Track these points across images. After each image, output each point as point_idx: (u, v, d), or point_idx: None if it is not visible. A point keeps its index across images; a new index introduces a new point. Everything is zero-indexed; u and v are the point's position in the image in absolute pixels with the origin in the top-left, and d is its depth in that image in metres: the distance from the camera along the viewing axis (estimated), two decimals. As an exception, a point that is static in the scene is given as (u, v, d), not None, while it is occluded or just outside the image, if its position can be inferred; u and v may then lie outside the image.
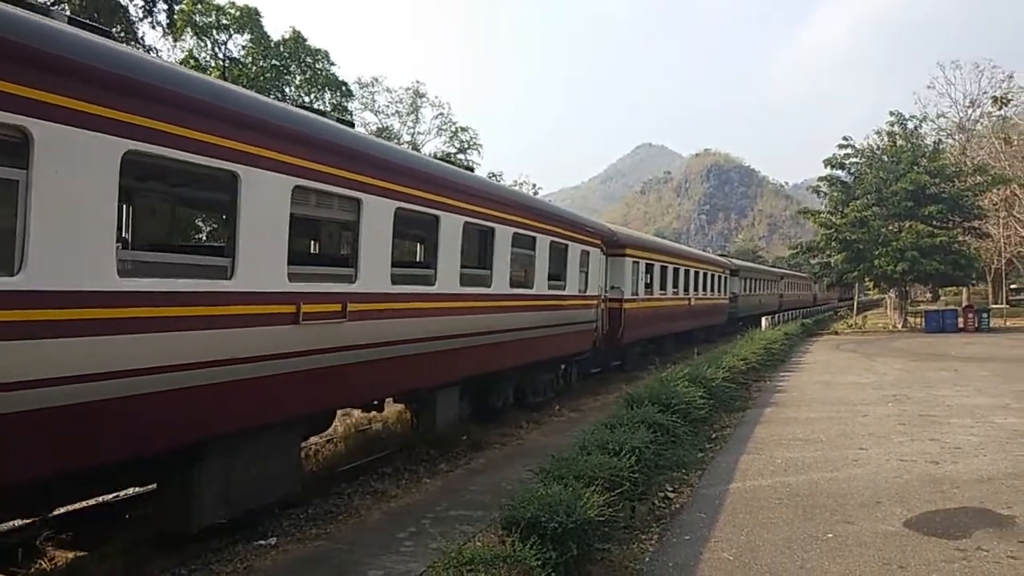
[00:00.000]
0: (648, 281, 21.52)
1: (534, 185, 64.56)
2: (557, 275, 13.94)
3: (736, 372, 14.94)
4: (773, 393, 15.38)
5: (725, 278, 33.57)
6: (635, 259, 19.87)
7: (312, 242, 10.79)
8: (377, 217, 8.18)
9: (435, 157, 51.21)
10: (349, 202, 7.84)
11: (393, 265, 8.61)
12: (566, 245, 14.22)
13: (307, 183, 7.02)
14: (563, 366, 15.56)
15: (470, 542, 4.86)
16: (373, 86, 54.21)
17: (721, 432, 11.16)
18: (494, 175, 56.99)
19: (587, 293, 15.70)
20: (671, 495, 7.75)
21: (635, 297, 19.85)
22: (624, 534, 6.33)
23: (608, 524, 5.74)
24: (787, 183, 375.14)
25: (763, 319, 33.29)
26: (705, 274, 28.98)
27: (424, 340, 9.22)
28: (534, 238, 12.66)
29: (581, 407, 14.79)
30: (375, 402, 10.26)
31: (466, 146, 55.89)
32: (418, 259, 12.52)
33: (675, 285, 24.33)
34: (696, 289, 27.30)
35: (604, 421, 8.58)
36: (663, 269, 22.99)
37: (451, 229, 9.92)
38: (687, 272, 25.78)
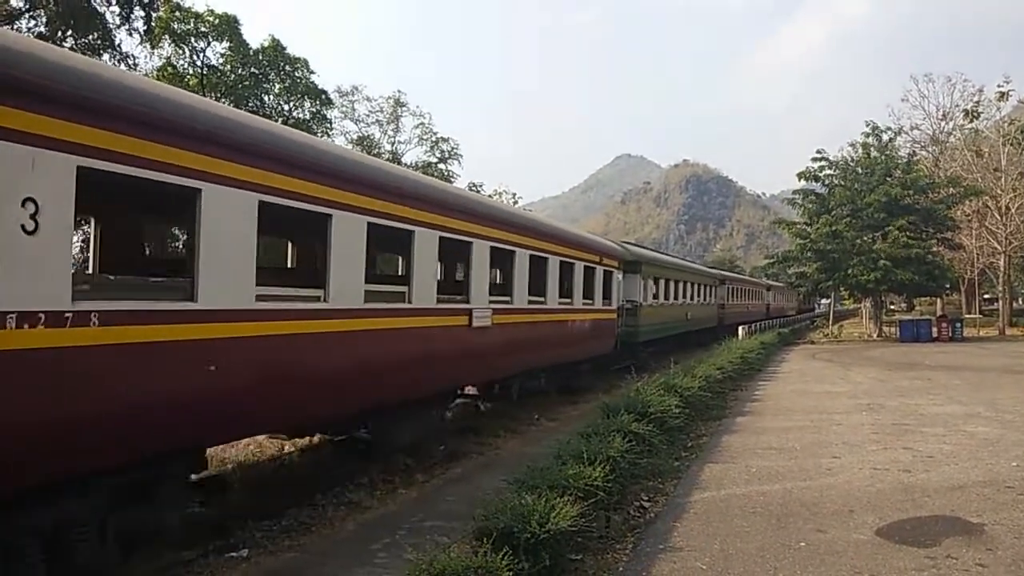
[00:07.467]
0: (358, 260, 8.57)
1: (514, 195, 64.34)
2: None
3: (712, 381, 14.99)
4: (749, 402, 15.44)
5: (611, 274, 19.30)
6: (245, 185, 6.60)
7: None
8: None
9: (416, 167, 51.29)
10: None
11: None
12: None
13: None
14: None
15: (443, 553, 4.82)
16: (353, 95, 54.04)
17: (697, 441, 11.19)
18: (475, 185, 57.02)
19: None
20: (646, 504, 7.74)
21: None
22: (598, 544, 6.32)
23: (582, 534, 5.75)
24: (764, 194, 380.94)
25: (740, 328, 33.02)
26: (561, 264, 15.29)
27: None
28: None
29: (559, 416, 14.77)
30: None
31: (447, 156, 55.94)
32: None
33: (466, 286, 11.66)
34: (542, 292, 14.46)
35: (580, 430, 8.58)
36: (410, 238, 9.67)
37: None
38: (501, 253, 12.67)
